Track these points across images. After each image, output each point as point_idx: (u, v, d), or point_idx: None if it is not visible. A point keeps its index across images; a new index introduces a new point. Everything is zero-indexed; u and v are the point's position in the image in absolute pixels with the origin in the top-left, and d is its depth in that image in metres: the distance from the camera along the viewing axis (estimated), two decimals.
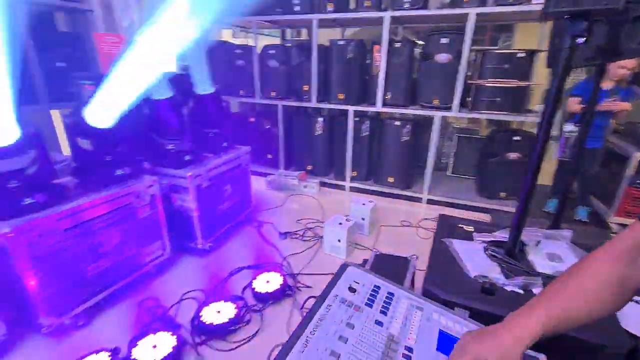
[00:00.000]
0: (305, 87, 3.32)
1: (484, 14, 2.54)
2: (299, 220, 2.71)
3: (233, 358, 1.46)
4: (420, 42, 3.30)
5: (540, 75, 2.83)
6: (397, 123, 3.03)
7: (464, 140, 3.53)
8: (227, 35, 5.62)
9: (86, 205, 1.56)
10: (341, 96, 3.19)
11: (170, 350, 1.40)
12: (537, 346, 0.79)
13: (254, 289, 1.81)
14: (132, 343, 1.42)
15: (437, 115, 2.90)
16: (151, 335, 1.46)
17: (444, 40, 2.77)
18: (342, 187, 3.47)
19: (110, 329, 1.60)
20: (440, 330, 0.71)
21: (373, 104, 3.09)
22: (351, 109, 3.16)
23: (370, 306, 0.74)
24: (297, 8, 3.15)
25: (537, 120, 2.57)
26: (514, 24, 3.63)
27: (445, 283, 1.06)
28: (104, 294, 1.70)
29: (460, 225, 1.44)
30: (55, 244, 1.45)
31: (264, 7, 3.27)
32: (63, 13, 3.31)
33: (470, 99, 2.87)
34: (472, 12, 2.55)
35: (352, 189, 3.44)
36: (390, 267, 1.50)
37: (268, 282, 1.85)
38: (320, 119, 3.36)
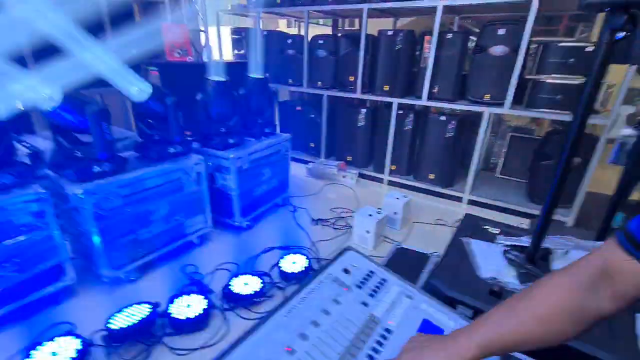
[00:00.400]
0: (351, 78, 3.33)
1: (549, 1, 2.32)
2: (332, 208, 2.78)
3: None
4: (476, 30, 3.11)
5: (618, 72, 2.49)
6: (442, 118, 2.92)
7: (517, 139, 3.27)
8: (282, 25, 5.80)
9: (142, 176, 1.79)
10: (386, 88, 3.15)
11: (201, 311, 1.58)
12: (534, 353, 0.77)
13: (280, 267, 1.93)
14: (171, 300, 1.63)
15: (487, 111, 2.74)
16: (186, 296, 1.65)
17: (500, 31, 2.58)
18: (380, 180, 3.45)
19: (154, 286, 1.84)
20: (424, 319, 0.74)
21: (419, 97, 3.01)
22: (396, 101, 3.11)
23: (360, 288, 0.79)
24: None
25: (603, 122, 2.32)
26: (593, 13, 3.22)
27: (451, 280, 1.06)
28: (152, 256, 1.95)
29: (485, 227, 1.40)
30: (115, 208, 1.70)
31: None
32: (139, 5, 3.69)
33: (526, 95, 2.66)
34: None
35: (390, 183, 3.41)
36: (409, 261, 1.51)
37: (294, 263, 1.96)
38: (363, 110, 3.35)
